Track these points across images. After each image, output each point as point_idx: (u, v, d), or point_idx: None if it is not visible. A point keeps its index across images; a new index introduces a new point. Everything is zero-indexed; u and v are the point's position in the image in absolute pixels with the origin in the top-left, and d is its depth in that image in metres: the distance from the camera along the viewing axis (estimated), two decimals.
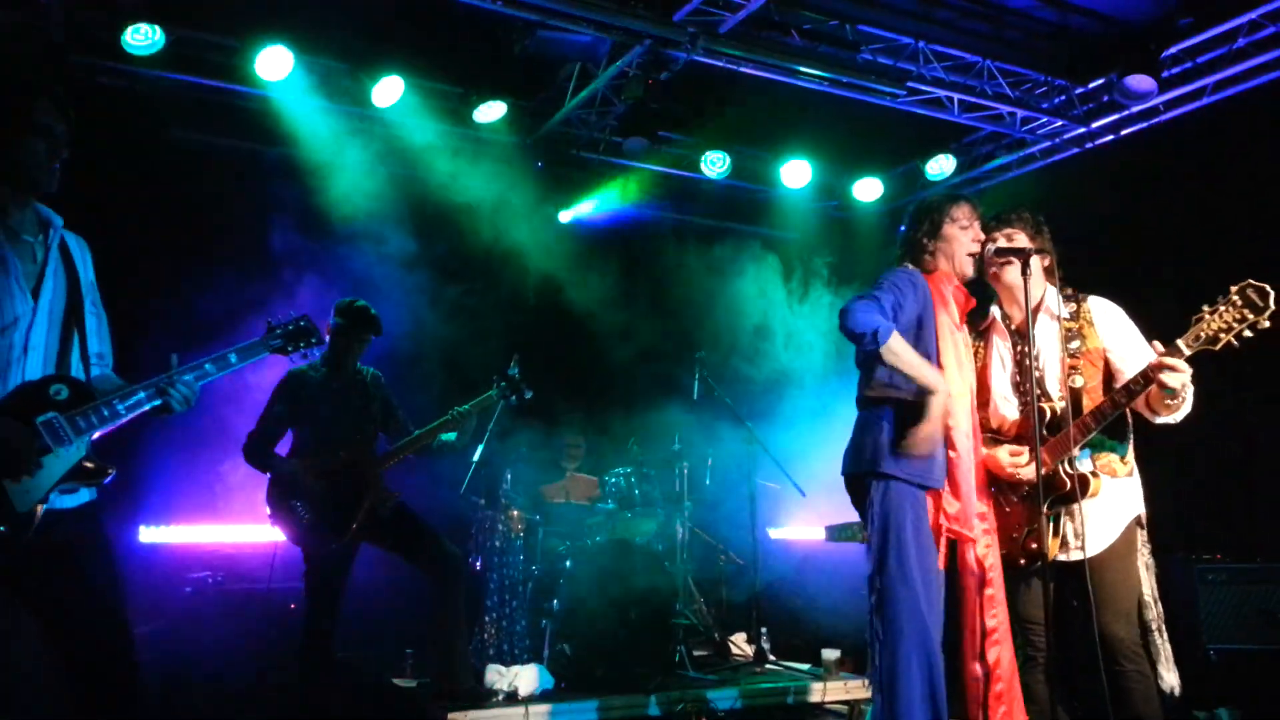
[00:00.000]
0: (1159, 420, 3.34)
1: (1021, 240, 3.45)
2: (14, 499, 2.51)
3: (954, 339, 3.35)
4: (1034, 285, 3.35)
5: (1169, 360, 3.13)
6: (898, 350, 3.13)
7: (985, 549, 3.33)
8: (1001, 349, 3.57)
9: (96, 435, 2.70)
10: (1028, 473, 3.36)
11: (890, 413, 3.27)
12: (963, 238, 3.38)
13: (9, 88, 2.68)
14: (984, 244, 3.45)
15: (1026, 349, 3.40)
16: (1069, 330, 3.41)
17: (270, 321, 3.14)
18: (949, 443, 3.27)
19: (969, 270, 3.42)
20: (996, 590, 3.34)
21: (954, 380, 3.30)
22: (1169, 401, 3.22)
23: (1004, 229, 3.47)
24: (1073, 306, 3.45)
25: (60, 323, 2.73)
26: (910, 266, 3.42)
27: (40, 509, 2.56)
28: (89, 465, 2.69)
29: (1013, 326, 3.55)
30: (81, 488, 2.72)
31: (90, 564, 2.72)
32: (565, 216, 7.73)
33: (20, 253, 2.69)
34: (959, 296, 3.43)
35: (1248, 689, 5.11)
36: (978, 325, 3.61)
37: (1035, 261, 3.35)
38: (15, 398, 2.58)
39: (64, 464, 2.62)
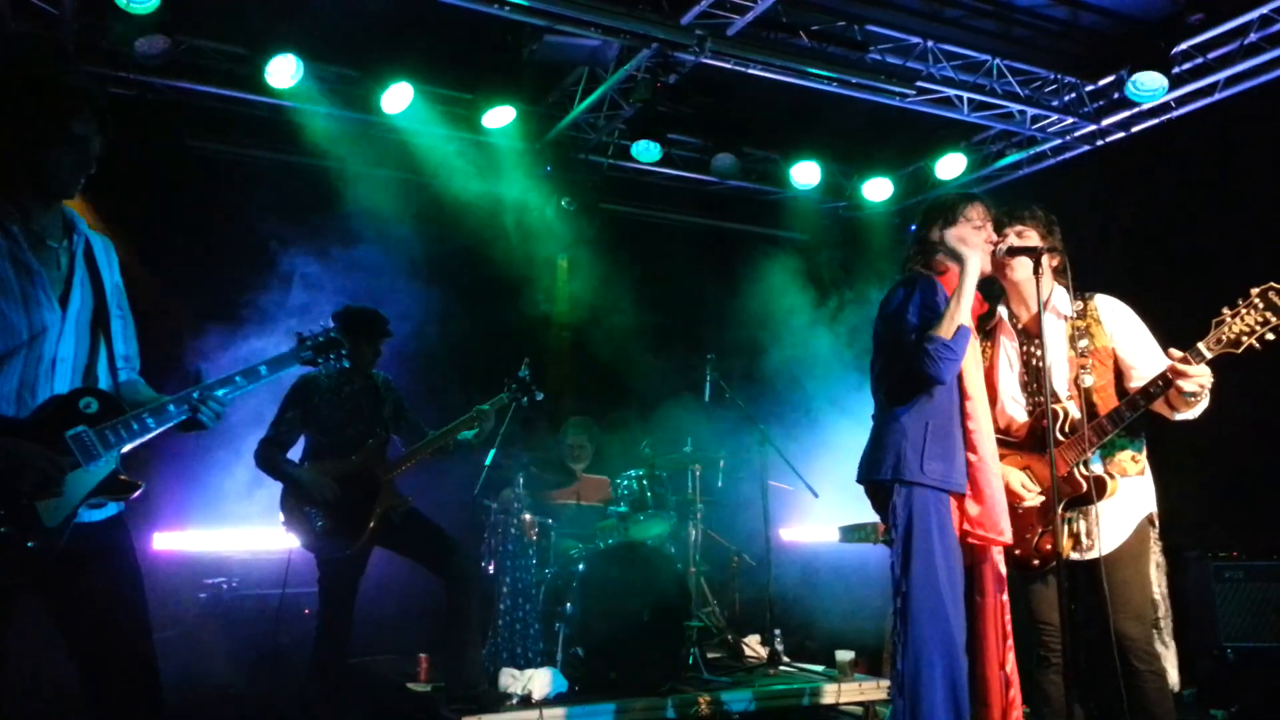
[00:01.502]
0: (1177, 417, 3.31)
1: (1033, 238, 3.42)
2: (43, 515, 2.49)
3: (972, 341, 3.32)
4: (1043, 284, 3.32)
5: (1184, 368, 3.11)
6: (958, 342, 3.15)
7: (999, 554, 3.32)
8: (1009, 349, 3.54)
9: (125, 449, 2.68)
10: (1034, 500, 3.36)
11: (909, 418, 3.23)
12: (976, 238, 3.32)
13: (52, 94, 2.63)
14: (996, 242, 3.43)
15: (1038, 349, 3.37)
16: (1076, 329, 3.39)
17: (300, 334, 3.14)
18: (969, 445, 3.24)
19: (986, 268, 3.35)
20: (1007, 597, 3.34)
21: (973, 383, 3.28)
22: (1189, 400, 3.20)
23: (1015, 226, 3.44)
24: (1079, 305, 3.43)
25: (88, 331, 2.70)
26: (923, 270, 3.37)
27: (69, 523, 2.55)
28: (118, 480, 2.67)
29: (1020, 326, 3.53)
30: (110, 502, 2.69)
31: (114, 574, 2.69)
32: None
33: (45, 260, 2.64)
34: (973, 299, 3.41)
35: (1265, 687, 5.08)
36: (985, 325, 3.58)
37: (1044, 260, 3.32)
38: (44, 412, 2.56)
39: (93, 479, 2.60)
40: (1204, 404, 3.26)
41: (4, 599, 2.53)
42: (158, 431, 2.71)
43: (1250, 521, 5.83)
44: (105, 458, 2.61)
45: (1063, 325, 3.43)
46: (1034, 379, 3.44)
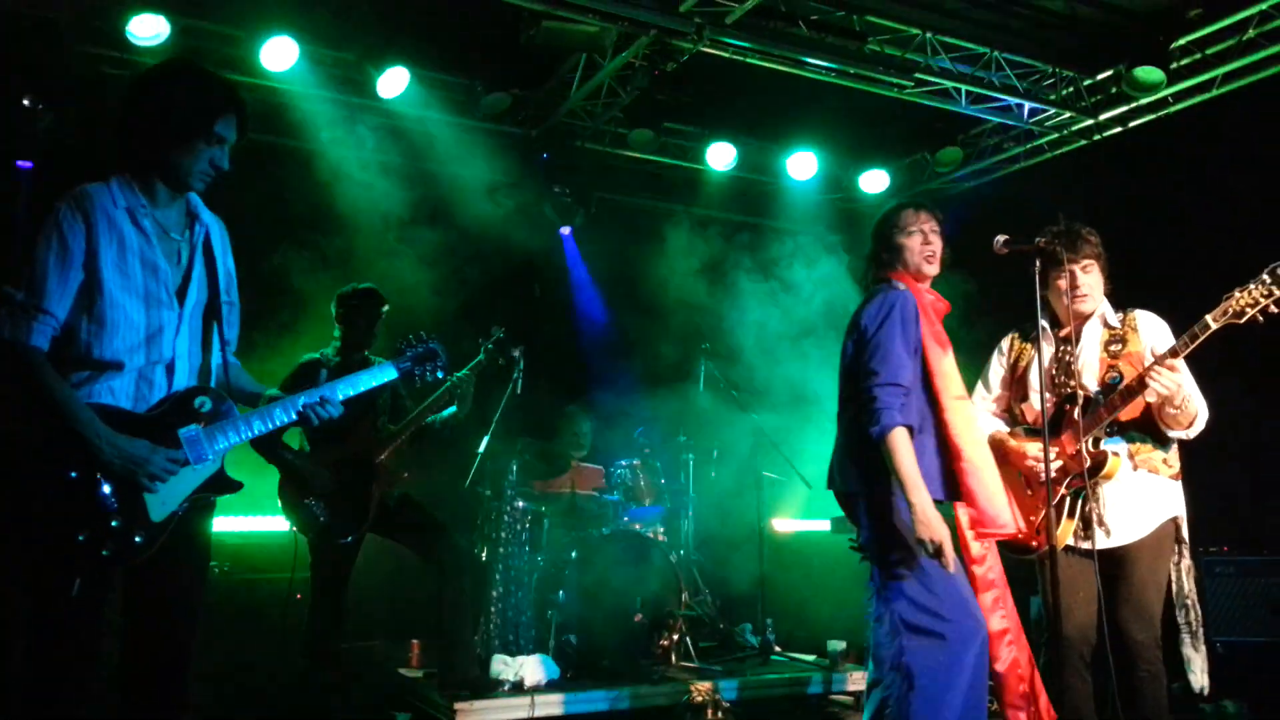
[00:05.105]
0: (1172, 434, 3.47)
1: (1095, 270, 3.58)
2: (151, 510, 2.57)
3: (940, 346, 3.23)
4: (1093, 300, 3.57)
5: (1159, 367, 3.29)
6: (897, 451, 3.00)
7: (983, 550, 3.32)
8: (1045, 353, 3.67)
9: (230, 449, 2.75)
10: (1041, 467, 3.41)
11: None
12: (912, 243, 3.35)
13: (201, 94, 2.71)
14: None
15: (1071, 349, 3.58)
16: (1113, 335, 3.59)
17: (398, 344, 3.29)
18: (954, 453, 3.13)
19: (927, 269, 3.34)
20: (1002, 591, 3.34)
21: (950, 389, 3.18)
22: (1169, 413, 3.37)
23: (1080, 261, 3.54)
24: (1121, 316, 3.64)
25: (200, 324, 2.77)
26: (890, 285, 3.33)
27: (174, 518, 2.62)
28: (223, 478, 2.75)
29: (1061, 334, 3.66)
30: (211, 496, 2.76)
31: (185, 566, 2.73)
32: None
33: (169, 254, 2.71)
34: (933, 301, 3.35)
35: (1254, 681, 5.11)
36: (1029, 333, 3.78)
37: (1098, 279, 3.57)
38: (160, 408, 2.63)
39: (200, 476, 2.68)
40: (1197, 425, 3.41)
41: (108, 580, 2.58)
42: (263, 434, 2.79)
43: (1241, 517, 5.86)
44: (214, 457, 2.68)
45: (1101, 331, 3.61)
46: (1061, 373, 3.58)
